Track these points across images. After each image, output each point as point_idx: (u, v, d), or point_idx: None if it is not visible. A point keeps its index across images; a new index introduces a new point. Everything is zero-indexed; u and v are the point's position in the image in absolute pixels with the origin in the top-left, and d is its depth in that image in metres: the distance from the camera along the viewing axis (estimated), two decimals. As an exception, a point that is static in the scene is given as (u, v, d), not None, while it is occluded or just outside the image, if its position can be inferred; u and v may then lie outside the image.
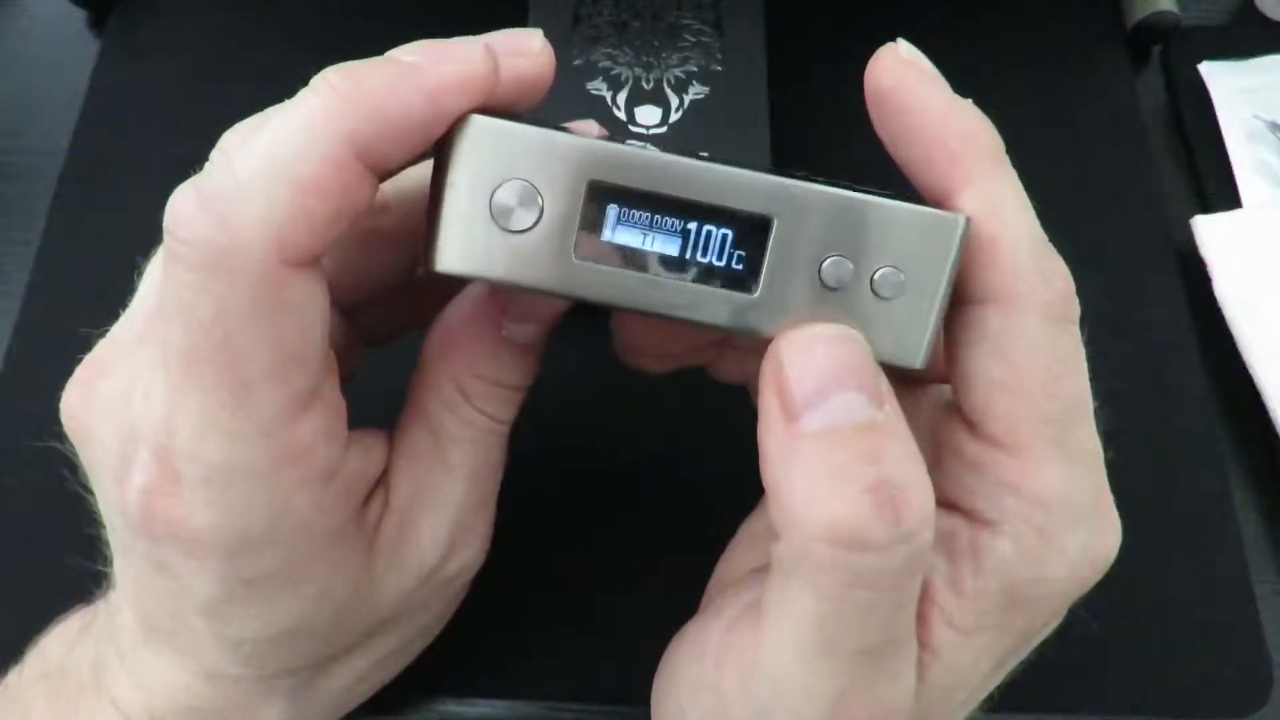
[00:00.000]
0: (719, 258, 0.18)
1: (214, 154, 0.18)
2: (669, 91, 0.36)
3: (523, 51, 0.20)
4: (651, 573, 0.25)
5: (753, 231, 0.18)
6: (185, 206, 0.17)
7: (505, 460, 0.24)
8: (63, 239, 0.35)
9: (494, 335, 0.22)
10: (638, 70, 0.37)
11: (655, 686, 0.23)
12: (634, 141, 0.25)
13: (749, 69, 0.37)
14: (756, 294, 0.18)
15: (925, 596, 0.19)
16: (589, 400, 0.25)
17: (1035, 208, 0.19)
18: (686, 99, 0.36)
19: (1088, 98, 0.41)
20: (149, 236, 0.35)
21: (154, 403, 0.18)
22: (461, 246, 0.18)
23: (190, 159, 0.40)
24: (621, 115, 0.36)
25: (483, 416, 0.23)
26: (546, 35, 0.37)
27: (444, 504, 0.23)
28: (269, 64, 0.39)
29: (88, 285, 0.34)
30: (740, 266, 0.18)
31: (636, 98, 0.36)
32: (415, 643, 0.25)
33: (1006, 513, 0.19)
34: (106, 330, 0.21)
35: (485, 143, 0.17)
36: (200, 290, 0.17)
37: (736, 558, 0.24)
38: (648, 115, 0.36)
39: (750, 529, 0.24)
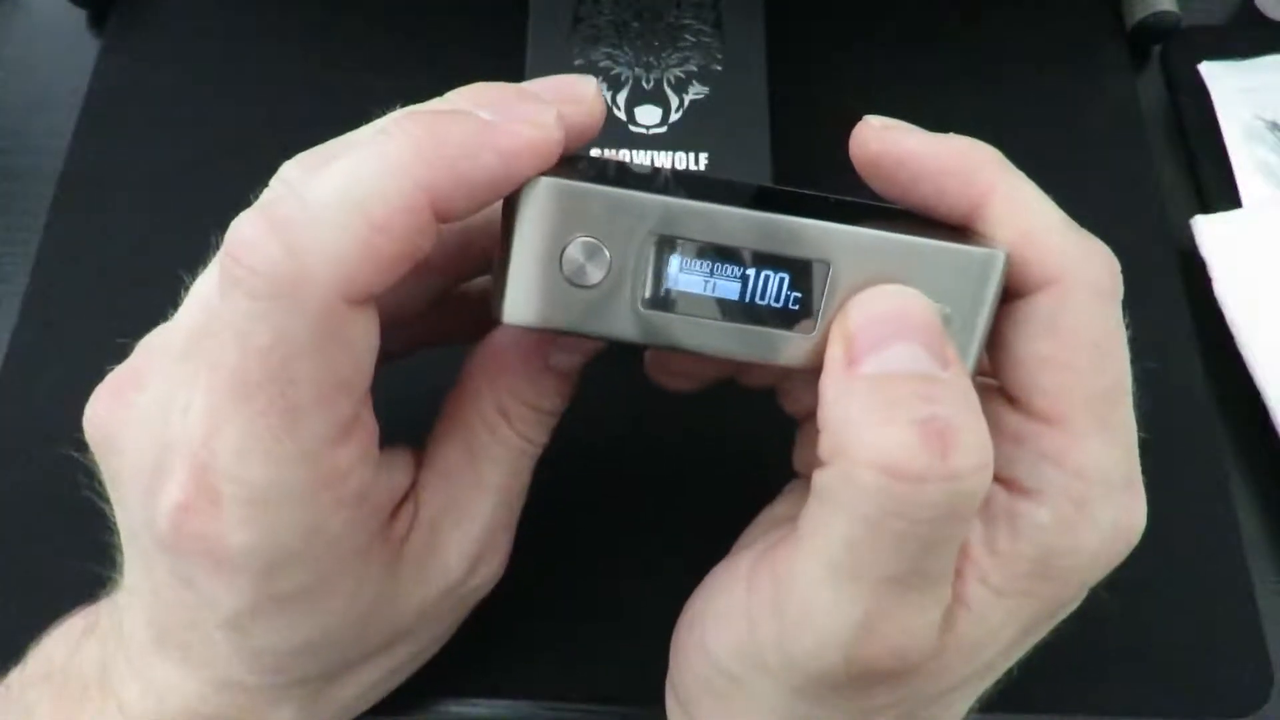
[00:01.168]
0: (777, 300, 0.19)
1: (274, 182, 0.18)
2: (669, 91, 0.36)
3: (576, 99, 0.20)
4: (654, 573, 0.25)
5: (810, 275, 0.19)
6: (251, 232, 0.17)
7: (530, 483, 0.25)
8: (63, 239, 0.35)
9: (539, 362, 0.23)
10: (638, 70, 0.37)
11: (678, 627, 0.23)
12: (666, 169, 0.25)
13: (749, 69, 0.37)
14: (814, 332, 0.19)
15: (962, 552, 0.19)
16: (592, 401, 0.25)
17: None
18: (686, 99, 0.36)
19: (1088, 98, 0.41)
20: (149, 237, 0.35)
21: (195, 421, 0.18)
22: (531, 300, 0.19)
23: (190, 159, 0.40)
24: (621, 115, 0.36)
25: (519, 438, 0.23)
26: (546, 35, 0.38)
27: (474, 520, 0.23)
28: (269, 64, 0.39)
29: (88, 285, 0.35)
30: (798, 308, 0.19)
31: (636, 98, 0.36)
32: (425, 653, 0.25)
33: (1047, 483, 0.19)
34: (138, 340, 0.21)
35: (553, 204, 0.18)
36: (260, 318, 0.17)
37: (755, 535, 0.24)
38: (648, 115, 0.36)
39: (771, 514, 0.24)
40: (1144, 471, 0.20)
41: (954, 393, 0.18)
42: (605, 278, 0.18)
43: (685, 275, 0.19)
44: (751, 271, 0.19)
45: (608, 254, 0.18)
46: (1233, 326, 0.36)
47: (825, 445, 0.18)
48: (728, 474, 0.30)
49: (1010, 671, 0.22)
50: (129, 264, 0.35)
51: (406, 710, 0.27)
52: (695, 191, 0.19)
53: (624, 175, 0.21)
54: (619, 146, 0.35)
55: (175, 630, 0.21)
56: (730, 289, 0.19)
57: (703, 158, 0.35)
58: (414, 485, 0.23)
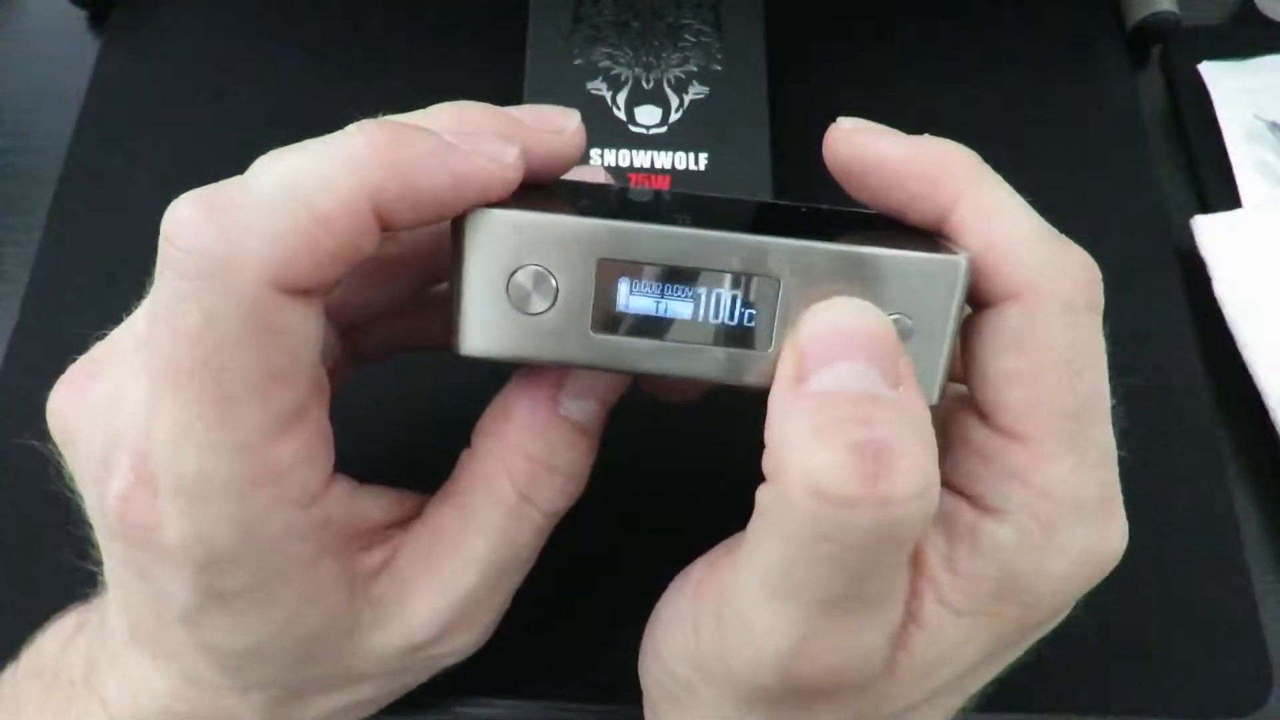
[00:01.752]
0: (730, 318, 0.18)
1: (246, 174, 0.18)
2: (669, 91, 0.36)
3: (558, 129, 0.20)
4: (653, 573, 0.25)
5: (761, 291, 0.18)
6: (188, 213, 0.17)
7: (535, 558, 0.23)
8: (63, 239, 0.35)
9: (549, 412, 0.21)
10: (638, 70, 0.37)
11: (645, 633, 0.23)
12: (640, 191, 0.26)
13: (749, 69, 0.37)
14: (770, 349, 0.18)
15: (920, 570, 0.19)
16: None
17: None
18: (686, 99, 0.36)
19: (1088, 98, 0.41)
20: (149, 236, 0.35)
21: (137, 409, 0.18)
22: (483, 330, 0.19)
23: (190, 158, 0.40)
24: (621, 115, 0.36)
25: (523, 502, 0.22)
26: (546, 35, 0.38)
27: (451, 589, 0.22)
28: (268, 64, 0.39)
29: (88, 285, 0.35)
30: (752, 324, 0.18)
31: (636, 98, 0.36)
32: (389, 696, 0.24)
33: (1011, 502, 0.19)
34: (104, 334, 0.21)
35: (497, 234, 0.18)
36: (190, 299, 0.17)
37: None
38: (648, 115, 0.36)
39: None
40: (1143, 472, 0.20)
41: (898, 414, 0.17)
42: (553, 304, 0.18)
43: (635, 298, 0.18)
44: (702, 291, 0.18)
45: (554, 281, 0.18)
46: (1233, 326, 0.36)
47: (766, 462, 0.18)
48: (730, 475, 0.30)
49: (984, 689, 0.21)
50: (129, 264, 0.35)
51: (406, 710, 0.27)
52: (644, 213, 0.19)
53: (572, 200, 0.21)
54: (619, 147, 0.35)
55: (143, 623, 0.21)
56: (682, 309, 0.18)
57: (703, 158, 0.35)
58: (400, 529, 0.22)
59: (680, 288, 0.18)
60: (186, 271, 0.17)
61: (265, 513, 0.19)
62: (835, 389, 0.17)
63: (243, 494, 0.18)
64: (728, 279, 0.18)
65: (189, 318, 0.17)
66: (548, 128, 0.20)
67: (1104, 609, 0.22)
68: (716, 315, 0.18)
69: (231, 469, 0.18)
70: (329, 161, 0.17)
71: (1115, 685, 0.30)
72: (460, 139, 0.18)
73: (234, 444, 0.18)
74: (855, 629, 0.18)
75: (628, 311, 0.18)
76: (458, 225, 0.18)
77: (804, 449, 0.17)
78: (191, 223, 0.17)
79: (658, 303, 0.18)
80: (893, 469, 0.16)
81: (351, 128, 0.18)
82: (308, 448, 0.19)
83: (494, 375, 0.23)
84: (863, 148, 0.20)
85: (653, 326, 0.19)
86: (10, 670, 0.24)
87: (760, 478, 0.17)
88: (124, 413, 0.19)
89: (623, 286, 0.18)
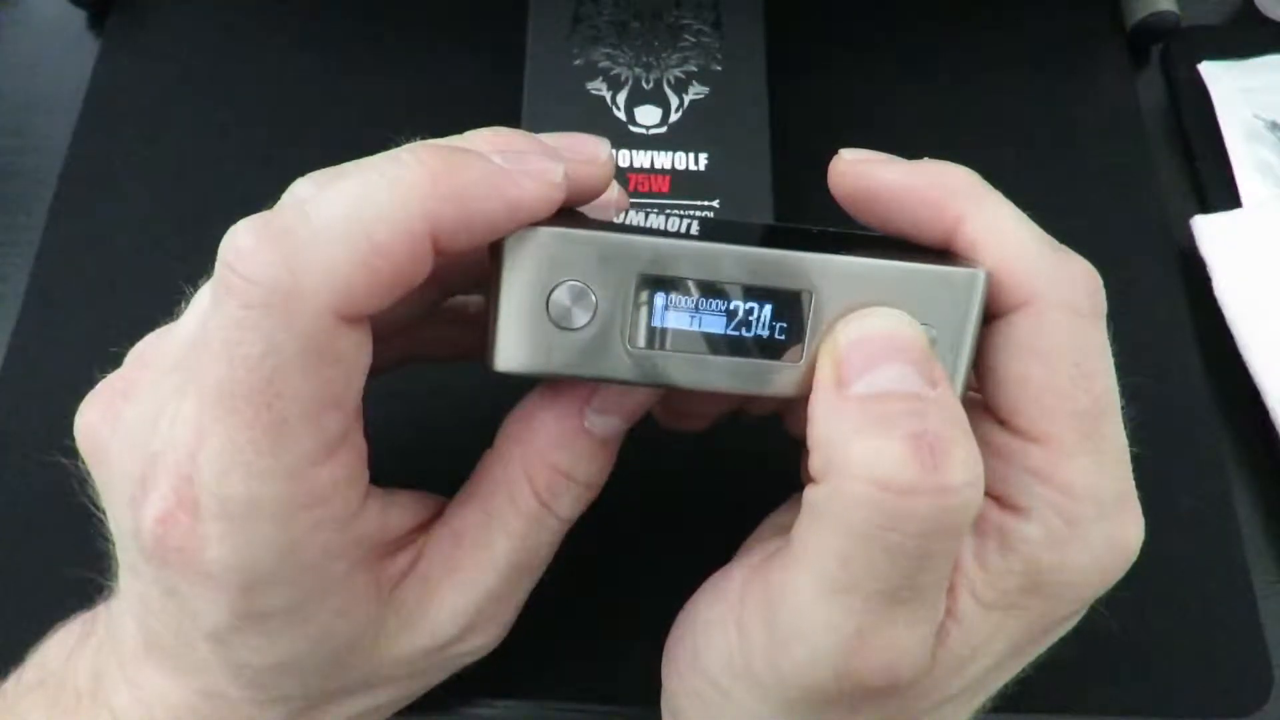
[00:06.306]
0: (763, 330, 0.19)
1: (285, 197, 0.18)
2: (669, 91, 0.36)
3: (590, 159, 0.21)
4: (654, 574, 0.25)
5: (792, 305, 0.19)
6: (249, 240, 0.17)
7: (551, 559, 0.23)
8: (63, 239, 0.35)
9: (574, 425, 0.22)
10: (638, 70, 0.37)
11: (670, 636, 0.23)
12: (673, 214, 0.26)
13: (749, 69, 0.37)
14: (801, 360, 0.19)
15: (954, 565, 0.20)
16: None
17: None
18: (686, 99, 0.36)
19: (1088, 98, 0.41)
20: (148, 236, 0.35)
21: (181, 432, 0.18)
22: (520, 347, 0.19)
23: (190, 159, 0.40)
24: (621, 115, 0.36)
25: (543, 509, 0.22)
26: (546, 35, 0.38)
27: (473, 589, 0.22)
28: (269, 64, 0.39)
29: (88, 285, 0.35)
30: (784, 337, 0.19)
31: (636, 98, 0.36)
32: (407, 698, 0.25)
33: (1036, 499, 0.19)
34: (108, 339, 0.21)
35: (538, 251, 0.18)
36: (251, 328, 0.17)
37: (756, 542, 0.24)
38: (647, 115, 0.36)
39: (774, 521, 0.24)
40: (1144, 471, 0.20)
41: (943, 410, 0.18)
42: (592, 320, 0.19)
43: (671, 313, 0.19)
44: (736, 305, 0.19)
45: (593, 297, 0.19)
46: (1233, 326, 0.36)
47: (816, 463, 0.18)
48: (732, 476, 0.30)
49: (1005, 688, 0.22)
50: (129, 264, 0.35)
51: (410, 710, 0.27)
52: (677, 232, 0.20)
53: (605, 220, 0.22)
54: (619, 147, 0.35)
55: (163, 638, 0.21)
56: (716, 323, 0.19)
57: (702, 158, 0.35)
58: (423, 532, 0.23)
59: (715, 302, 0.19)
60: (250, 300, 0.17)
61: (307, 536, 0.19)
62: (882, 389, 0.18)
63: (287, 518, 0.18)
64: (762, 293, 0.19)
65: (251, 346, 0.17)
66: (582, 157, 0.21)
67: (1104, 609, 0.22)
68: (750, 329, 0.19)
69: (278, 493, 0.18)
70: (388, 191, 0.17)
71: (1115, 685, 0.30)
72: (508, 160, 0.18)
73: (283, 469, 0.18)
74: (910, 622, 0.18)
75: (663, 326, 0.19)
76: (497, 243, 0.19)
77: (861, 443, 0.17)
78: (255, 251, 0.17)
79: (693, 317, 0.19)
80: (948, 457, 0.17)
81: (404, 154, 0.18)
82: (348, 470, 0.19)
83: (504, 379, 0.23)
84: (866, 178, 0.21)
85: (687, 341, 0.19)
86: (14, 678, 0.24)
87: (785, 480, 0.18)
88: (163, 434, 0.19)
89: (659, 302, 0.19)
